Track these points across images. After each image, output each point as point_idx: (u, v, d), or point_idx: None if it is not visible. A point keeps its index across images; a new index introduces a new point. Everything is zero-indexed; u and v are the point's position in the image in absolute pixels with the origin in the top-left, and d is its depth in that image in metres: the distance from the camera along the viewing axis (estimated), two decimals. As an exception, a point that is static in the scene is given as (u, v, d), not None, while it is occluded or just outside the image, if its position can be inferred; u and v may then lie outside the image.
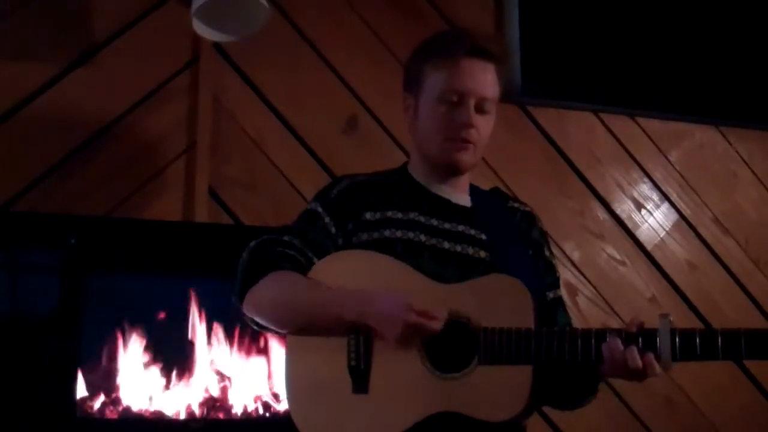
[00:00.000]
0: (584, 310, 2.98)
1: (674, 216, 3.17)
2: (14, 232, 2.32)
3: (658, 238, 3.14)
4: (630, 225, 3.12)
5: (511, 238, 1.72)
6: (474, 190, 1.80)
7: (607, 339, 1.47)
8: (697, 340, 1.44)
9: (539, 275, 1.72)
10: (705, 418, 3.05)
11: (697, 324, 3.11)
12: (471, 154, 1.69)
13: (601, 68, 3.05)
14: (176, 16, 2.60)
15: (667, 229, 3.16)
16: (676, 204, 3.18)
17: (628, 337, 1.46)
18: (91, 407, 2.26)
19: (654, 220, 3.15)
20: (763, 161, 3.30)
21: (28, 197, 2.45)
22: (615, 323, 3.01)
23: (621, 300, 3.05)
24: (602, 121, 3.13)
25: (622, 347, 1.45)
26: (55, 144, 2.50)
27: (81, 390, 2.26)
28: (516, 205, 1.81)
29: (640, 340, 1.45)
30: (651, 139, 3.17)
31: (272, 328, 1.67)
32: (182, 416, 2.34)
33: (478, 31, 1.80)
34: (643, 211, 3.14)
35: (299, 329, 1.62)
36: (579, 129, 3.10)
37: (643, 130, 3.17)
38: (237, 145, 2.68)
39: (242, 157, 2.69)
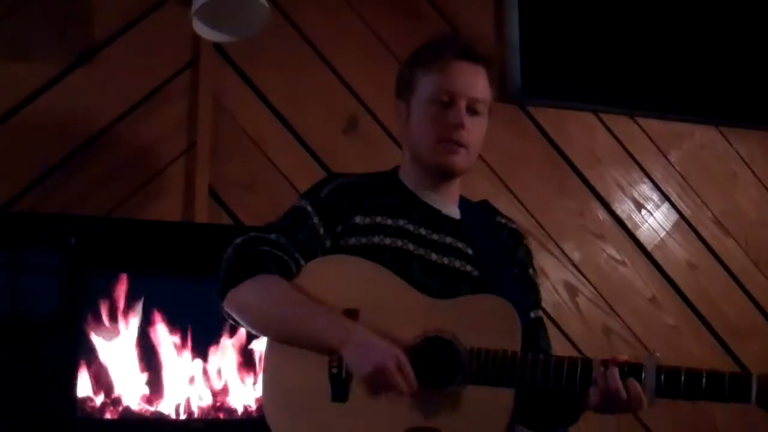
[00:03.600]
0: (584, 310, 2.98)
1: (674, 216, 3.17)
2: (14, 232, 2.32)
3: (659, 239, 3.14)
4: (630, 225, 3.12)
5: (498, 255, 1.72)
6: (463, 202, 1.78)
7: (593, 368, 1.47)
8: (682, 379, 1.44)
9: (524, 294, 1.72)
10: (705, 418, 3.05)
11: (698, 324, 3.12)
12: (463, 158, 1.68)
13: (601, 68, 3.05)
14: (176, 16, 2.60)
15: (667, 229, 3.16)
16: (676, 204, 3.18)
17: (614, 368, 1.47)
18: (91, 407, 2.26)
19: (654, 220, 3.15)
20: (763, 161, 3.30)
21: (28, 197, 2.45)
22: (615, 323, 3.02)
23: (621, 300, 3.06)
24: (602, 122, 3.13)
25: (605, 378, 1.45)
26: (55, 144, 2.50)
27: (81, 390, 2.26)
28: (504, 221, 1.81)
29: (625, 371, 1.46)
30: (651, 139, 3.17)
31: (251, 331, 1.66)
32: (182, 416, 2.34)
33: (466, 35, 1.81)
34: (643, 212, 3.14)
35: (279, 341, 1.60)
36: (579, 129, 3.10)
37: (643, 130, 3.17)
38: (237, 145, 2.68)
39: (242, 157, 2.69)
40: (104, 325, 2.30)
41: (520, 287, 1.72)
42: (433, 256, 1.66)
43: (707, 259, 3.18)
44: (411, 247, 1.66)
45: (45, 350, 2.23)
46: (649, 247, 3.13)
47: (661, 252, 3.14)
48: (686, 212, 3.18)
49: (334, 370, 1.53)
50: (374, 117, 2.85)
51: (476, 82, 1.68)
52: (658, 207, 3.16)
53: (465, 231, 1.71)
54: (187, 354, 2.38)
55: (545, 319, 1.80)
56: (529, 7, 2.98)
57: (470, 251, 1.69)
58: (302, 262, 1.63)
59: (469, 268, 1.67)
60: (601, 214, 3.10)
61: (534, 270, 1.79)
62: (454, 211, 1.75)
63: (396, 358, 1.47)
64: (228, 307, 1.63)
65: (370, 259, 1.61)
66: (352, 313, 1.56)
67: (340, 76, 2.83)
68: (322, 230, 1.67)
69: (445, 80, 1.67)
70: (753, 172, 3.28)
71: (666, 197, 3.17)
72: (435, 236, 1.69)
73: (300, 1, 2.80)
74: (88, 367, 2.27)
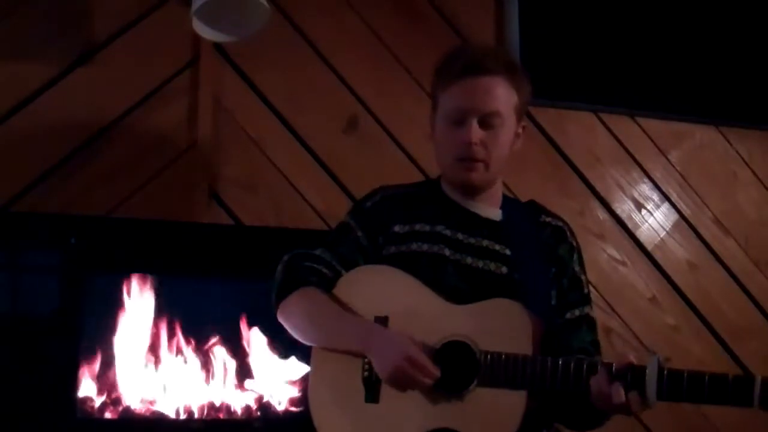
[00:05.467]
0: (584, 310, 2.98)
1: (674, 216, 3.17)
2: (14, 232, 2.32)
3: (659, 238, 3.14)
4: (630, 225, 3.12)
5: (535, 255, 1.74)
6: (507, 202, 1.81)
7: (597, 372, 1.50)
8: (685, 382, 1.45)
9: (560, 294, 1.73)
10: (705, 418, 3.05)
11: (698, 324, 3.12)
12: (481, 172, 1.71)
13: (601, 68, 3.05)
14: (176, 16, 2.60)
15: (668, 229, 3.16)
16: (676, 204, 3.18)
17: (617, 372, 1.48)
18: (91, 407, 2.26)
19: (654, 220, 3.15)
20: (763, 161, 3.30)
21: (28, 197, 2.45)
22: (615, 323, 3.01)
23: (621, 300, 3.06)
24: (602, 121, 3.13)
25: (608, 382, 1.47)
26: (55, 144, 2.50)
27: (81, 390, 2.26)
28: (548, 219, 1.81)
29: (628, 376, 1.47)
30: (651, 139, 3.17)
31: (300, 340, 1.76)
32: (182, 416, 2.34)
33: (480, 47, 1.84)
34: (644, 211, 3.14)
35: (319, 346, 1.72)
36: (579, 129, 3.10)
37: (643, 130, 3.17)
38: (237, 145, 2.68)
39: (242, 157, 2.69)
40: (104, 325, 2.30)
41: (557, 287, 1.73)
42: (468, 260, 1.71)
43: (707, 259, 3.18)
44: (447, 252, 1.71)
45: (45, 350, 2.23)
46: (649, 247, 3.13)
47: (661, 252, 3.14)
48: (686, 212, 3.18)
49: (366, 374, 1.64)
50: (374, 117, 2.84)
51: (488, 96, 1.69)
52: (658, 207, 3.16)
53: (504, 232, 1.75)
54: (187, 353, 2.38)
55: None
56: (529, 7, 2.97)
57: (508, 252, 1.72)
58: (343, 272, 1.75)
59: (504, 270, 1.70)
60: (601, 214, 3.10)
61: (581, 267, 1.79)
62: (494, 213, 1.78)
63: (408, 357, 1.55)
64: (279, 319, 1.76)
65: (407, 266, 1.69)
66: (382, 320, 1.67)
67: (340, 76, 2.83)
68: (365, 242, 1.77)
69: (455, 99, 1.70)
70: (753, 172, 3.28)
71: (666, 197, 3.17)
72: (471, 240, 1.73)
73: (300, 1, 2.79)
74: (88, 367, 2.27)
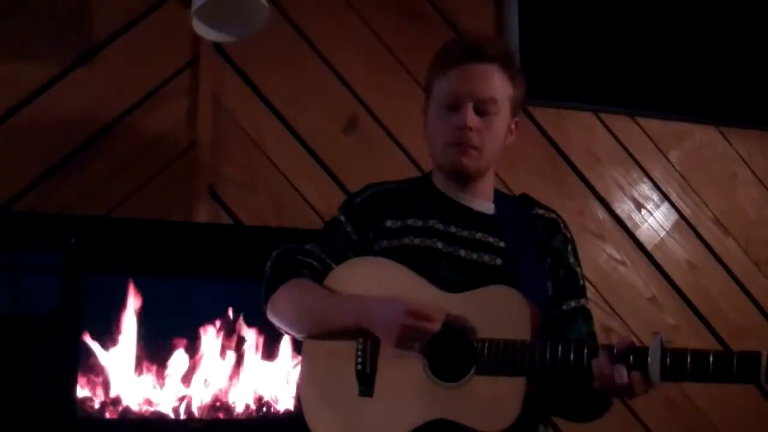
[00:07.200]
0: (584, 310, 2.98)
1: (674, 216, 3.17)
2: (14, 232, 2.32)
3: (658, 238, 3.14)
4: (630, 225, 3.12)
5: (530, 247, 1.72)
6: (499, 196, 1.80)
7: (599, 355, 1.47)
8: (688, 361, 1.43)
9: (556, 286, 1.72)
10: (705, 418, 3.05)
11: (698, 324, 3.12)
12: (474, 159, 1.69)
13: (601, 68, 3.05)
14: (176, 16, 2.60)
15: (667, 229, 3.16)
16: (676, 204, 3.18)
17: (619, 354, 1.46)
18: (91, 407, 2.26)
19: (654, 220, 3.15)
20: (763, 161, 3.30)
21: (28, 197, 2.45)
22: (615, 323, 3.01)
23: (621, 300, 3.06)
24: (602, 121, 3.13)
25: (610, 364, 1.45)
26: (55, 144, 2.50)
27: (81, 390, 2.26)
28: (541, 211, 1.80)
29: (631, 357, 1.45)
30: (651, 139, 3.17)
31: (291, 333, 1.74)
32: (182, 416, 2.34)
33: (479, 35, 1.82)
34: (643, 211, 3.14)
35: (313, 334, 1.69)
36: (579, 129, 3.10)
37: (643, 130, 3.17)
38: (237, 145, 2.68)
39: (242, 157, 2.69)
40: (104, 324, 2.30)
41: (553, 278, 1.72)
42: (462, 253, 1.69)
43: (707, 259, 3.18)
44: (440, 245, 1.69)
45: (45, 350, 2.23)
46: (649, 247, 3.13)
47: (661, 252, 3.14)
48: (686, 212, 3.18)
49: (360, 367, 1.61)
50: (374, 117, 2.85)
51: (483, 83, 1.67)
52: (657, 207, 3.16)
53: (497, 225, 1.73)
54: (186, 353, 2.38)
55: None
56: (529, 7, 2.98)
57: (502, 245, 1.70)
58: (333, 266, 1.73)
59: (499, 262, 1.69)
60: (601, 214, 3.10)
61: (575, 259, 1.77)
62: (486, 207, 1.76)
63: (408, 310, 1.53)
64: (269, 315, 1.73)
65: (400, 260, 1.67)
66: None
67: (340, 76, 2.83)
68: (355, 237, 1.75)
69: (451, 83, 1.68)
70: (753, 172, 3.28)
71: (666, 197, 3.17)
72: (465, 233, 1.71)
73: (300, 1, 2.80)
74: (88, 367, 2.27)
